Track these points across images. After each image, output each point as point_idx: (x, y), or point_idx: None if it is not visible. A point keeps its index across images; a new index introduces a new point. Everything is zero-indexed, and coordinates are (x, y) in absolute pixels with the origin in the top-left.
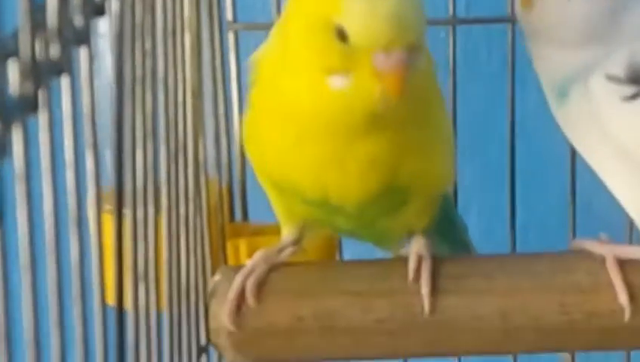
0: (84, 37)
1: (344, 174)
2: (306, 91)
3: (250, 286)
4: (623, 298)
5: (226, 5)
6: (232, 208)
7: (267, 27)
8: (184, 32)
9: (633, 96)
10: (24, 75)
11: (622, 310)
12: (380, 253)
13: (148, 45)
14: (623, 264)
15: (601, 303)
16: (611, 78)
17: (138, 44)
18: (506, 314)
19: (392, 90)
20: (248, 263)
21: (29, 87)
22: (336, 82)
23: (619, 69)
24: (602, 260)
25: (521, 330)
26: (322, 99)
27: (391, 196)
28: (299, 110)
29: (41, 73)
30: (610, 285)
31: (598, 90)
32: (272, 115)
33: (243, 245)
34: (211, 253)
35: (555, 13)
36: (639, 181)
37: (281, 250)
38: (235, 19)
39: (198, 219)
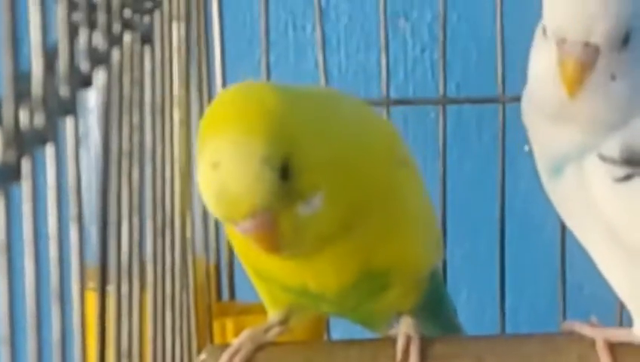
0: (70, 107)
1: (318, 267)
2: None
3: None
4: None
5: (217, 84)
6: (220, 287)
7: None
8: (173, 108)
9: (626, 178)
10: (7, 143)
11: None
12: (369, 333)
13: (136, 119)
14: (613, 347)
15: None
16: (605, 159)
17: (126, 118)
18: None
19: (265, 248)
20: (235, 342)
21: (12, 155)
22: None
23: (614, 149)
24: (593, 343)
25: None
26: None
27: (370, 282)
28: None
29: (24, 142)
30: None
31: (591, 169)
32: None
33: (230, 324)
34: (197, 331)
35: (601, 95)
36: (630, 264)
37: (267, 330)
38: None
39: (185, 297)
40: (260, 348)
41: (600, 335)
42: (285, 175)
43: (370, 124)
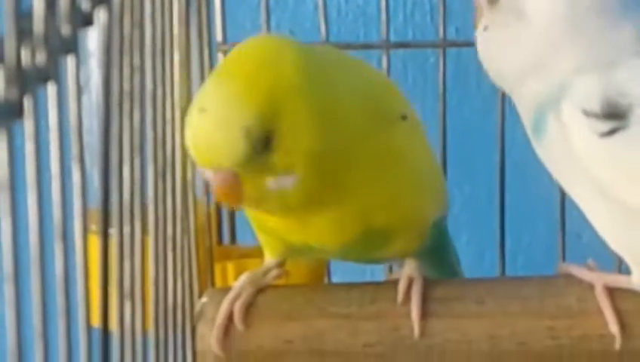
0: (71, 46)
1: (318, 226)
2: None
3: (237, 310)
4: (613, 327)
5: (216, 26)
6: (220, 231)
7: None
8: (173, 50)
9: (610, 132)
10: (9, 80)
11: (611, 335)
12: (370, 277)
13: (136, 60)
14: (612, 291)
15: (590, 328)
16: (588, 114)
17: (126, 59)
18: (494, 338)
19: (225, 201)
20: (234, 286)
21: (14, 93)
22: None
23: (595, 103)
24: (591, 285)
25: (509, 354)
26: None
27: (371, 237)
28: None
29: (26, 80)
30: (599, 310)
31: (574, 125)
32: None
33: (231, 267)
34: (199, 274)
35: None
36: (622, 217)
37: (266, 272)
38: (224, 40)
39: (186, 240)
40: (260, 290)
41: (599, 280)
42: (265, 147)
43: (366, 80)
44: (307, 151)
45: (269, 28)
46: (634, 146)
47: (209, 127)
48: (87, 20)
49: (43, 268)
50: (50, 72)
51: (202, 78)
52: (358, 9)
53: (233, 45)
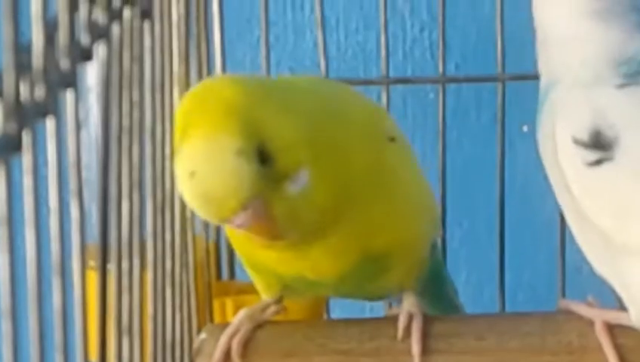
0: (70, 80)
1: (314, 257)
2: None
3: (235, 346)
4: None
5: (216, 62)
6: (219, 266)
7: None
8: (173, 86)
9: (597, 162)
10: (8, 115)
11: None
12: (369, 313)
13: (135, 96)
14: (612, 327)
15: None
16: (577, 142)
17: (126, 94)
18: None
19: (265, 237)
20: (233, 322)
21: (12, 127)
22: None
23: (584, 133)
24: (592, 322)
25: None
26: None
27: (369, 266)
28: None
29: (25, 114)
30: (600, 347)
31: (563, 148)
32: None
33: (230, 303)
34: (197, 310)
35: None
36: (591, 238)
37: (265, 308)
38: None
39: (185, 275)
40: (259, 326)
41: (599, 316)
42: (264, 160)
43: (352, 101)
44: (303, 141)
45: (268, 64)
46: (617, 178)
47: (209, 180)
48: (87, 55)
49: (40, 303)
50: (49, 107)
51: None
52: (358, 45)
53: None
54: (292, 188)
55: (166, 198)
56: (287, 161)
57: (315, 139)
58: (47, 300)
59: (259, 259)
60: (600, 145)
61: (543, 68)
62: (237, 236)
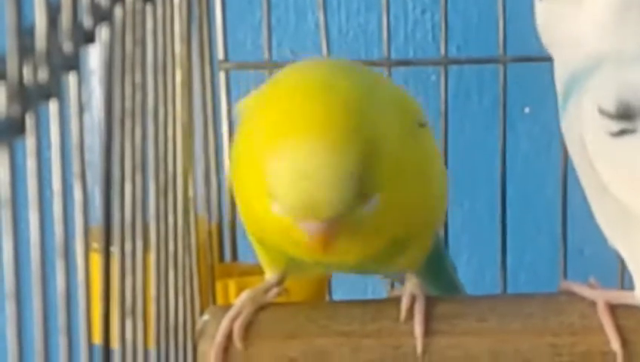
0: (73, 63)
1: (341, 245)
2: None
3: (237, 328)
4: (615, 344)
5: (218, 44)
6: (222, 248)
7: (258, 66)
8: (175, 68)
9: (620, 133)
10: (11, 97)
11: (613, 352)
12: (371, 294)
13: (138, 78)
14: (614, 308)
15: (593, 345)
16: (603, 112)
17: (128, 76)
18: (497, 355)
19: (317, 250)
20: (235, 304)
21: (16, 109)
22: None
23: (611, 103)
24: (594, 303)
25: None
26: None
27: (391, 249)
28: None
29: (28, 96)
30: (602, 327)
31: (588, 119)
32: (248, 182)
33: (232, 285)
34: (200, 292)
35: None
36: (618, 216)
37: (267, 290)
38: (226, 58)
39: (187, 257)
40: (261, 308)
41: (601, 297)
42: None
43: (390, 90)
44: (384, 171)
45: (270, 46)
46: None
47: (320, 186)
48: (89, 38)
49: (44, 285)
50: (52, 89)
51: (203, 96)
52: (359, 27)
53: (235, 64)
54: (364, 210)
55: (169, 180)
56: (370, 186)
57: (390, 156)
58: (50, 282)
59: (271, 237)
60: (626, 115)
61: (568, 54)
62: (251, 211)
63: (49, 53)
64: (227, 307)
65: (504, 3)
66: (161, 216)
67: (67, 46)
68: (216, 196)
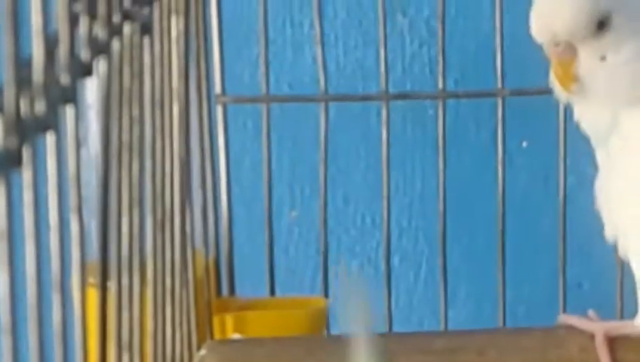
0: (70, 96)
1: None
2: None
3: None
4: None
5: (215, 78)
6: (219, 283)
7: (255, 100)
8: (172, 102)
9: None
10: (8, 129)
11: None
12: None
13: (135, 112)
14: (612, 341)
15: None
16: None
17: (126, 110)
18: None
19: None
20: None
21: (12, 142)
22: None
23: None
24: (592, 336)
25: None
26: None
27: None
28: None
29: (25, 129)
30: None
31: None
32: None
33: (230, 320)
34: (197, 326)
35: (597, 78)
36: None
37: None
38: (223, 92)
39: (185, 292)
40: (259, 343)
41: (599, 329)
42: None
43: None
44: None
45: (267, 81)
46: None
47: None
48: (87, 70)
49: (41, 320)
50: (50, 122)
51: (201, 130)
52: (357, 62)
53: (232, 97)
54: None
55: (166, 215)
56: None
57: None
58: (47, 317)
59: None
60: None
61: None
62: None
63: (46, 85)
64: (224, 341)
65: (502, 36)
66: (159, 251)
67: (65, 78)
68: (213, 231)
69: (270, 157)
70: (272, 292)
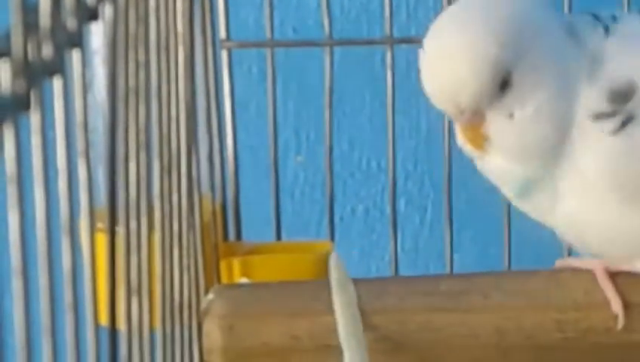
0: (77, 40)
1: None
2: None
3: None
4: (616, 306)
5: (220, 23)
6: (226, 227)
7: (260, 45)
8: (177, 47)
9: (622, 125)
10: (16, 73)
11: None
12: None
13: (141, 56)
14: (615, 278)
15: (597, 321)
16: (598, 116)
17: (132, 55)
18: (501, 332)
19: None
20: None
21: (20, 85)
22: None
23: (601, 100)
24: (595, 276)
25: (516, 348)
26: None
27: None
28: None
29: (33, 73)
30: (607, 302)
31: (588, 140)
32: None
33: (237, 264)
34: (205, 271)
35: (511, 136)
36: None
37: None
38: (228, 37)
39: (192, 237)
40: (266, 286)
41: (599, 265)
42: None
43: None
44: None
45: (272, 25)
46: None
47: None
48: (93, 15)
49: (51, 262)
50: (57, 66)
51: (206, 75)
52: (361, 6)
53: (237, 43)
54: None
55: (172, 159)
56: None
57: None
58: (57, 260)
59: None
60: (618, 100)
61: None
62: None
63: (53, 29)
64: (232, 286)
65: None
66: (165, 195)
67: (71, 23)
68: (219, 175)
69: (275, 102)
70: (279, 236)
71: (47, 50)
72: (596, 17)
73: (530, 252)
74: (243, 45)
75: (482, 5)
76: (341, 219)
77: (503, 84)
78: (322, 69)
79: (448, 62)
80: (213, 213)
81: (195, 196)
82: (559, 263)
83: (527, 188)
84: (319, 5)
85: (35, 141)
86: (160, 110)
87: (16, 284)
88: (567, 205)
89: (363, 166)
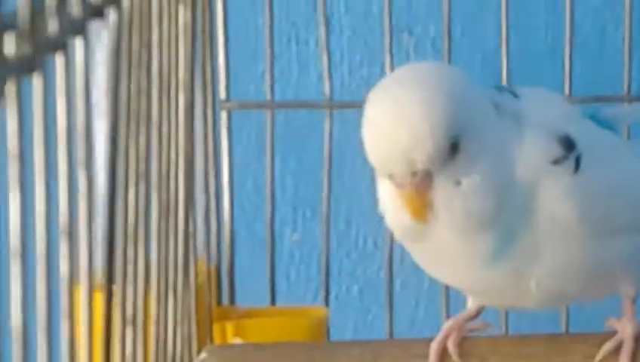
0: (80, 29)
1: None
2: None
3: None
4: None
5: (220, 84)
6: (219, 291)
7: (260, 106)
8: (179, 93)
9: (577, 162)
10: (21, 43)
11: None
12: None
13: (143, 83)
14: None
15: None
16: (556, 161)
17: (134, 73)
18: None
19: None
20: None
21: (27, 51)
22: None
23: (555, 145)
24: (597, 342)
25: None
26: None
27: None
28: None
29: (38, 43)
30: None
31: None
32: None
33: (230, 328)
34: (198, 331)
35: (456, 204)
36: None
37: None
38: (228, 98)
39: (187, 292)
40: (260, 347)
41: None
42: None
43: None
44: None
45: (272, 86)
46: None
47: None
48: (98, 12)
49: (49, 245)
50: (60, 44)
51: (205, 135)
52: (362, 80)
53: (237, 103)
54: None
55: (171, 200)
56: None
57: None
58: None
59: None
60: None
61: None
62: None
63: (58, 10)
64: (224, 346)
65: (507, 57)
66: (162, 241)
67: (77, 12)
68: (215, 238)
69: (273, 169)
70: (273, 302)
71: (53, 27)
72: (501, 87)
73: (527, 318)
74: (243, 106)
75: (430, 69)
76: (336, 297)
77: (454, 148)
78: (322, 135)
79: (406, 118)
80: (208, 274)
81: (190, 249)
82: (608, 323)
83: (509, 240)
84: (320, 79)
85: (36, 104)
86: (160, 143)
87: (14, 266)
88: (548, 251)
89: (359, 244)
